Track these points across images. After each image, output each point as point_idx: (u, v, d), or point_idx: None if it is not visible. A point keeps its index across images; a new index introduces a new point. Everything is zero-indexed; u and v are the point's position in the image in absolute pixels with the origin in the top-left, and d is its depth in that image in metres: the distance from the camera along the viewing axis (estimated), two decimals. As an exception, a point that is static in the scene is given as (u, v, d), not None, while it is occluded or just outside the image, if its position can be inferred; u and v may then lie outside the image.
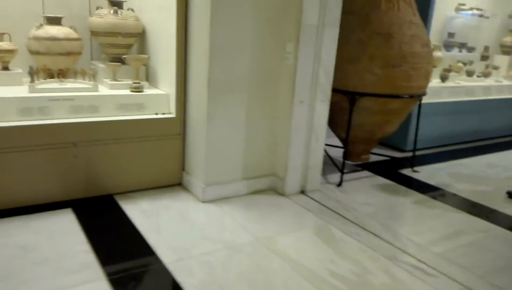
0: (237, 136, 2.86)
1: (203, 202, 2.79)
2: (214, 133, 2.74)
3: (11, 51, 2.79)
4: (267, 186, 3.09)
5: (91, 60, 3.27)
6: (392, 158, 4.11)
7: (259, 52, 2.78)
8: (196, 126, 2.82)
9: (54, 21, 2.86)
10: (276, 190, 3.07)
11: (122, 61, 3.05)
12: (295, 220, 2.69)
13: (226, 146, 2.82)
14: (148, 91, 2.98)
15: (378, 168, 3.80)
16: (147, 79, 3.15)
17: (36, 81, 2.66)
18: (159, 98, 2.93)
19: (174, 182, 3.01)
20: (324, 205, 2.91)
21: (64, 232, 2.29)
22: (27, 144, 2.44)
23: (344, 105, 3.24)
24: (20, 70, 2.84)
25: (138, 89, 2.89)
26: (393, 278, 2.12)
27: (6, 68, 2.83)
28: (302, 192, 3.08)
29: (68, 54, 2.86)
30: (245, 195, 2.96)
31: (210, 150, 2.76)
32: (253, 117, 2.88)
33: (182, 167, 3.02)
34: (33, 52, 2.83)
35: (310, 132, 2.99)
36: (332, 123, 3.42)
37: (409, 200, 3.20)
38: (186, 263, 2.10)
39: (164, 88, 3.01)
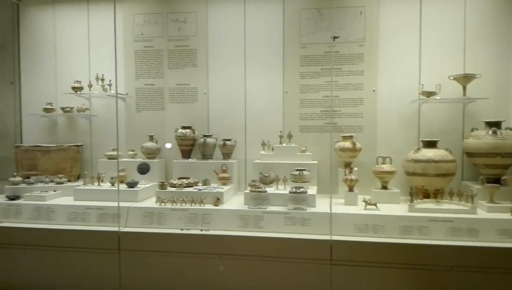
0: None
1: None
2: None
3: (391, 173, 3.12)
4: None
5: (462, 180, 3.23)
6: None
7: None
8: None
9: (431, 144, 3.04)
10: None
11: (499, 182, 2.84)
12: None
13: None
14: (535, 217, 2.60)
15: None
16: (530, 203, 2.78)
17: (415, 201, 2.82)
18: (550, 226, 2.49)
19: None
20: None
21: None
22: (401, 261, 2.54)
23: None
24: (397, 190, 3.11)
25: (522, 214, 2.58)
26: None
27: (385, 187, 3.16)
28: None
29: (443, 175, 2.93)
30: None
31: None
32: None
33: None
34: (409, 173, 3.06)
35: None
36: None
37: None
38: None
39: (557, 215, 2.55)
